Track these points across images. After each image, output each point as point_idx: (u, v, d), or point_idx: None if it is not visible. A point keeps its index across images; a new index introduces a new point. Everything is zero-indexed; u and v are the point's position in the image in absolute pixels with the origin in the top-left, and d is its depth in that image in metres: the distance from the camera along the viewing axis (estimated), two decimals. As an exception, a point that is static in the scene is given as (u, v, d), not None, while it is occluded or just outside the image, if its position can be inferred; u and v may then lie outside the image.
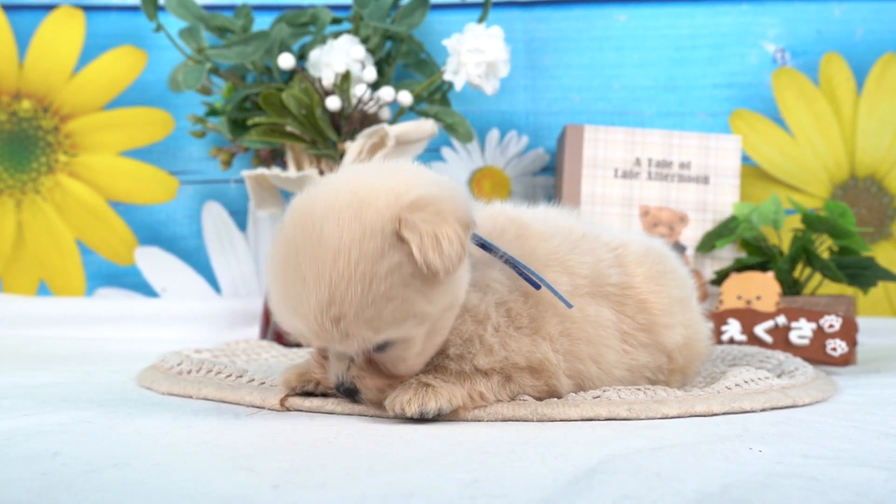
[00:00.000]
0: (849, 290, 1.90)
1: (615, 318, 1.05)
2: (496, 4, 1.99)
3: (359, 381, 0.93)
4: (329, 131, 1.66)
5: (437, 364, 0.95)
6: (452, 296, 0.90)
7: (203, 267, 2.05)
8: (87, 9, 2.03)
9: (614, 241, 1.11)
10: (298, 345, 1.68)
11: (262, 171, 1.73)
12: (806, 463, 0.75)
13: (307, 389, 1.01)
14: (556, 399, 0.98)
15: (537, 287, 0.95)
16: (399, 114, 1.78)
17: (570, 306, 0.97)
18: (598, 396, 0.99)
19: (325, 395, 1.01)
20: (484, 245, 0.94)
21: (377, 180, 0.89)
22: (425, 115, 1.75)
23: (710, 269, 1.77)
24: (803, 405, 1.08)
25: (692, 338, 1.13)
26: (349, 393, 0.94)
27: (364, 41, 1.77)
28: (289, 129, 1.69)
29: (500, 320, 0.94)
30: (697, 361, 1.17)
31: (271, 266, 0.90)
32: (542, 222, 1.05)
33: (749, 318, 1.49)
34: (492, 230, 0.99)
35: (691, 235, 1.79)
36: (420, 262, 0.84)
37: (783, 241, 1.76)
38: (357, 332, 0.86)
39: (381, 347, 0.89)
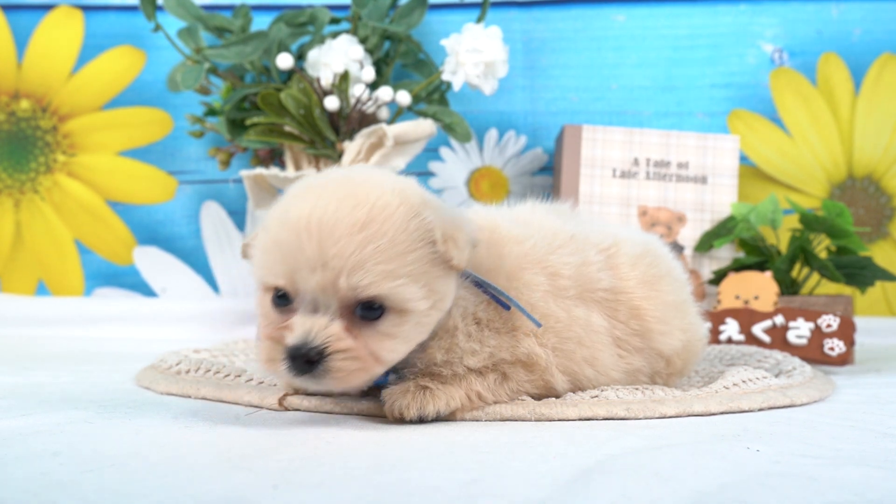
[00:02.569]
0: (846, 290, 1.90)
1: (607, 324, 1.03)
2: (494, 4, 1.99)
3: (336, 340, 0.84)
4: (327, 131, 1.67)
5: (431, 371, 0.94)
6: (448, 291, 0.90)
7: (202, 267, 2.05)
8: (86, 9, 2.03)
9: (606, 241, 1.08)
10: None
11: (260, 171, 1.73)
12: (804, 462, 0.75)
13: (307, 391, 1.01)
14: (554, 399, 0.99)
15: (507, 308, 0.95)
16: (397, 114, 1.78)
17: (538, 325, 0.95)
18: (597, 396, 0.99)
19: (325, 394, 1.01)
20: None
21: (398, 175, 0.93)
22: (424, 114, 1.75)
23: (708, 269, 1.78)
24: (801, 405, 1.08)
25: (691, 340, 1.12)
26: (309, 360, 0.84)
27: (362, 41, 1.77)
28: (287, 129, 1.69)
29: (471, 328, 0.94)
30: (695, 361, 1.17)
31: (276, 218, 0.86)
32: (518, 224, 1.03)
33: (747, 317, 1.49)
34: None
35: (689, 235, 1.79)
36: (440, 244, 0.87)
37: (781, 240, 1.76)
38: (376, 266, 0.83)
39: (375, 316, 0.85)
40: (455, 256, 0.87)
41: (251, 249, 0.92)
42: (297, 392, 1.01)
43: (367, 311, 0.85)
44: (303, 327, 0.84)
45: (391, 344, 0.87)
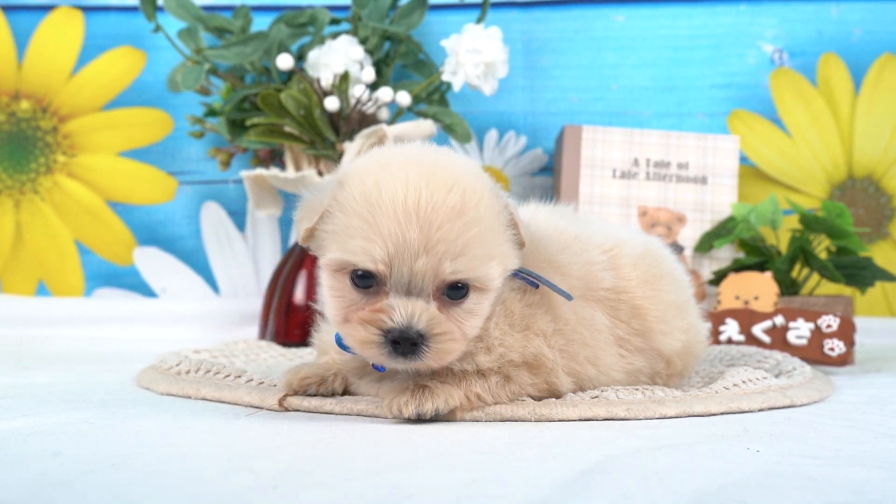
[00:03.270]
0: (846, 291, 1.90)
1: (609, 323, 1.03)
2: (494, 5, 1.99)
3: (438, 323, 0.86)
4: (328, 132, 1.67)
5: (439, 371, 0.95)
6: (511, 269, 0.93)
7: (202, 267, 2.06)
8: (86, 9, 2.03)
9: (609, 242, 1.09)
10: (302, 343, 1.68)
11: (260, 171, 1.73)
12: (803, 463, 0.75)
13: (309, 392, 1.01)
14: (554, 399, 0.99)
15: (536, 286, 0.96)
16: (397, 114, 1.78)
17: (570, 298, 0.97)
18: (597, 397, 0.99)
19: (326, 395, 1.01)
20: None
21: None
22: (424, 115, 1.75)
23: (708, 270, 1.78)
24: (801, 405, 1.08)
25: (691, 342, 1.12)
26: (412, 342, 0.85)
27: (362, 42, 1.77)
28: (287, 129, 1.69)
29: (500, 319, 0.95)
30: (695, 362, 1.17)
31: (360, 198, 0.86)
32: (531, 222, 1.04)
33: (747, 318, 1.49)
34: None
35: (689, 235, 1.79)
36: (519, 225, 0.91)
37: (781, 241, 1.76)
38: (476, 250, 0.86)
39: (460, 295, 0.88)
40: (526, 238, 0.93)
41: (322, 233, 0.90)
42: (296, 393, 1.01)
43: (455, 291, 0.88)
44: (405, 311, 0.86)
45: (475, 321, 0.91)
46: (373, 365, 0.96)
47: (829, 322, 1.46)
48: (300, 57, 1.81)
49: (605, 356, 1.03)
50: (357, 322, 0.88)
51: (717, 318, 1.50)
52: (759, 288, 1.56)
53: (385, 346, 0.86)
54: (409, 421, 0.93)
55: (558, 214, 1.12)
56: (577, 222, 1.11)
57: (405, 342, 0.86)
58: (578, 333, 0.99)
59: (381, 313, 0.86)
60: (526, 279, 0.96)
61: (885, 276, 1.63)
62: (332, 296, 0.91)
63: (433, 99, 1.81)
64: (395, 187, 0.86)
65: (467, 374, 0.95)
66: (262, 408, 1.01)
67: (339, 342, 0.95)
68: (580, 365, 1.00)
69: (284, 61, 1.68)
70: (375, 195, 0.86)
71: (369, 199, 0.86)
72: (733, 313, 1.50)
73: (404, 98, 1.69)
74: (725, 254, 1.78)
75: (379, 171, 0.88)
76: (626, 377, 1.06)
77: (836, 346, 1.45)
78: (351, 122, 1.69)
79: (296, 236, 0.96)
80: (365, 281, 0.87)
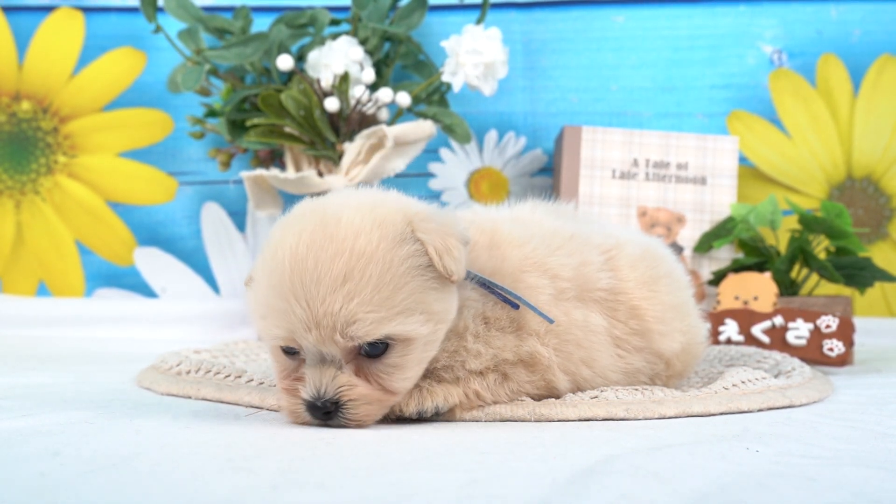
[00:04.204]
0: (846, 291, 1.90)
1: (606, 324, 1.02)
2: (494, 6, 1.99)
3: (347, 390, 0.86)
4: (328, 132, 1.67)
5: (431, 373, 0.94)
6: (450, 305, 0.90)
7: (202, 267, 2.06)
8: (87, 10, 2.04)
9: (608, 243, 1.07)
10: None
11: (260, 172, 1.73)
12: (803, 463, 0.75)
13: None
14: (553, 399, 0.99)
15: (516, 307, 0.95)
16: (397, 115, 1.78)
17: (550, 321, 0.95)
18: (596, 397, 0.99)
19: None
20: None
21: (379, 195, 0.93)
22: (424, 116, 1.75)
23: (707, 270, 1.78)
24: (800, 405, 1.08)
25: (691, 343, 1.12)
26: (327, 411, 0.87)
27: (362, 42, 1.77)
28: (287, 130, 1.69)
29: (479, 328, 0.94)
30: (694, 363, 1.17)
31: (266, 263, 0.87)
32: (519, 225, 1.03)
33: (746, 318, 1.50)
34: None
35: (689, 236, 1.79)
36: (437, 263, 0.87)
37: (780, 241, 1.77)
38: (367, 316, 0.83)
39: (379, 351, 0.87)
40: (455, 270, 0.87)
41: (248, 292, 0.93)
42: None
43: (373, 348, 0.87)
44: (313, 382, 0.87)
45: (402, 374, 0.89)
46: None
47: (829, 322, 1.46)
48: (300, 58, 1.81)
49: (601, 357, 1.02)
50: (283, 391, 0.91)
51: (716, 319, 1.50)
52: (759, 288, 1.56)
53: (307, 413, 0.88)
54: (410, 420, 0.93)
55: (557, 213, 1.11)
56: (575, 222, 1.10)
57: (317, 411, 0.87)
58: (571, 335, 0.99)
59: (298, 382, 0.89)
60: (504, 299, 0.95)
61: (885, 276, 1.63)
62: (272, 359, 0.93)
63: (433, 99, 1.81)
64: (283, 260, 0.85)
65: (465, 376, 0.95)
66: (262, 408, 1.02)
67: None
68: (574, 366, 1.00)
69: (284, 62, 1.68)
70: (269, 269, 0.87)
71: (266, 272, 0.87)
72: (732, 314, 1.50)
73: (404, 99, 1.69)
74: (725, 254, 1.78)
75: (279, 238, 0.88)
76: (624, 378, 1.06)
77: (835, 347, 1.45)
78: (351, 123, 1.69)
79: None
80: (289, 349, 0.89)
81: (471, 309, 0.94)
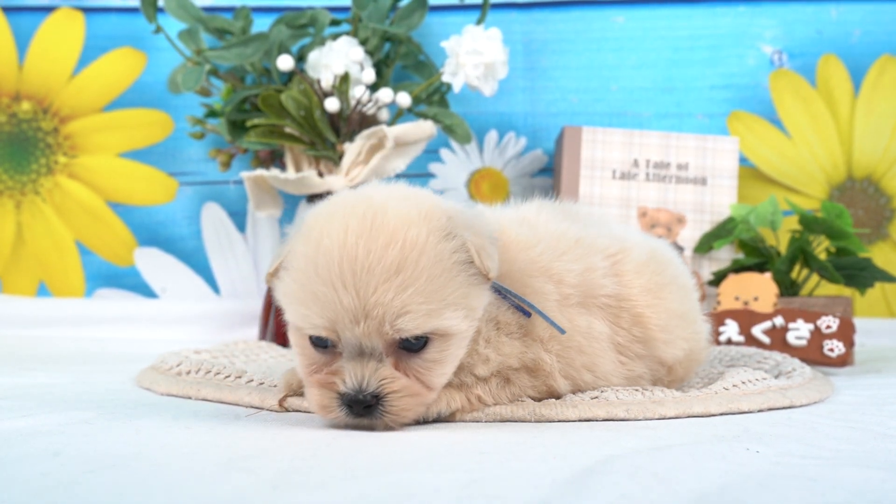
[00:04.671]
0: (846, 291, 1.90)
1: (609, 331, 1.01)
2: (494, 6, 1.99)
3: (389, 383, 0.85)
4: (328, 132, 1.67)
5: None
6: (482, 303, 0.90)
7: (202, 268, 2.06)
8: (87, 10, 2.04)
9: (613, 247, 1.05)
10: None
11: (261, 172, 1.73)
12: (803, 463, 0.75)
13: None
14: (554, 400, 0.99)
15: (528, 315, 0.94)
16: (398, 115, 1.78)
17: (562, 332, 0.94)
18: (597, 397, 0.99)
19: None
20: None
21: (413, 189, 0.92)
22: (424, 116, 1.75)
23: (707, 270, 1.78)
24: (801, 406, 1.08)
25: (694, 349, 1.11)
26: (367, 405, 0.85)
27: (363, 43, 1.77)
28: (288, 130, 1.69)
29: (491, 333, 0.94)
30: (697, 367, 1.16)
31: (308, 252, 0.85)
32: (526, 227, 1.01)
33: (747, 318, 1.50)
34: None
35: (689, 236, 1.79)
36: (476, 260, 0.86)
37: (780, 242, 1.77)
38: (419, 307, 0.82)
39: (420, 346, 0.86)
40: (491, 268, 0.88)
41: (276, 282, 0.90)
42: (296, 393, 1.01)
43: (412, 344, 0.86)
44: (355, 374, 0.85)
45: (440, 369, 0.88)
46: None
47: (829, 323, 1.46)
48: (300, 58, 1.81)
49: (603, 363, 1.01)
50: (315, 385, 0.88)
51: (716, 319, 1.50)
52: (759, 289, 1.56)
53: (342, 408, 0.86)
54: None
55: (563, 214, 1.08)
56: (581, 223, 1.07)
57: (358, 405, 0.85)
58: (574, 341, 0.98)
59: (334, 376, 0.86)
60: (517, 306, 0.94)
61: (885, 276, 1.63)
62: (296, 353, 0.91)
63: (433, 100, 1.81)
64: (331, 249, 0.83)
65: (471, 383, 0.95)
66: (262, 408, 1.02)
67: None
68: (576, 371, 0.99)
69: (285, 62, 1.68)
70: (313, 257, 0.84)
71: (309, 260, 0.85)
72: (733, 314, 1.50)
73: (404, 99, 1.69)
74: (725, 254, 1.78)
75: (322, 227, 0.86)
76: (625, 382, 1.05)
77: (835, 347, 1.45)
78: (351, 123, 1.69)
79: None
80: (321, 341, 0.87)
81: (485, 312, 0.93)
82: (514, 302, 0.94)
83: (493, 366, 0.94)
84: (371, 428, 0.87)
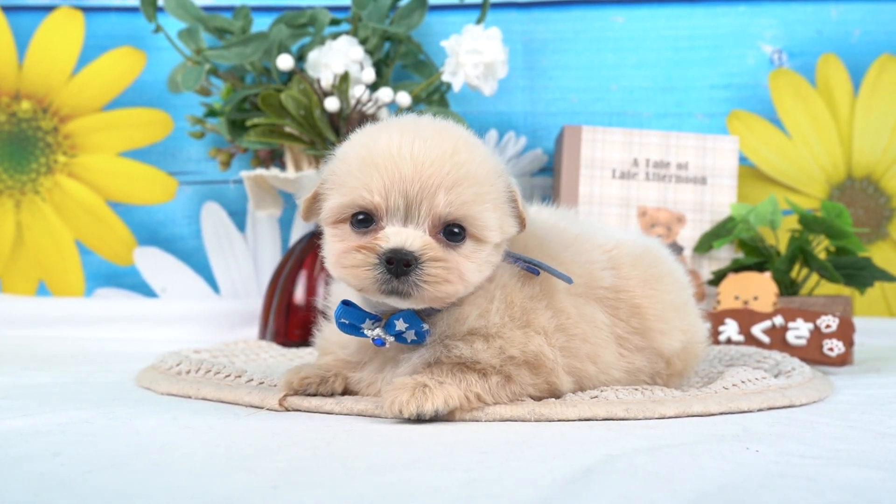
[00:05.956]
0: (846, 291, 1.90)
1: (609, 322, 1.04)
2: (494, 5, 1.99)
3: (430, 248, 0.89)
4: (328, 132, 1.67)
5: (437, 358, 0.95)
6: (504, 240, 0.96)
7: (202, 267, 2.06)
8: (87, 10, 2.04)
9: (609, 243, 1.10)
10: (302, 343, 1.68)
11: (260, 171, 1.73)
12: (803, 463, 0.75)
13: (309, 392, 1.01)
14: (554, 399, 0.99)
15: (536, 272, 0.98)
16: (397, 115, 1.78)
17: (569, 281, 0.99)
18: (596, 397, 0.99)
19: (326, 395, 1.02)
20: None
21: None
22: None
23: (707, 270, 1.78)
24: (800, 405, 1.08)
25: (691, 342, 1.13)
26: (407, 262, 0.87)
27: (363, 42, 1.77)
28: (287, 129, 1.69)
29: (501, 305, 0.96)
30: (695, 363, 1.17)
31: (365, 143, 0.91)
32: (534, 220, 1.06)
33: (746, 318, 1.50)
34: None
35: (689, 236, 1.79)
36: (520, 202, 0.96)
37: (780, 241, 1.77)
38: (468, 189, 0.89)
39: (459, 237, 0.91)
40: (527, 215, 0.96)
41: (323, 193, 0.94)
42: (296, 393, 1.01)
43: (451, 235, 0.91)
44: (399, 235, 0.89)
45: (473, 266, 0.92)
46: (374, 340, 0.95)
47: (829, 322, 1.46)
48: (300, 57, 1.81)
49: (605, 354, 1.03)
50: (354, 249, 0.90)
51: (716, 319, 1.50)
52: (759, 288, 1.56)
53: (379, 266, 0.88)
54: (409, 421, 0.93)
55: (560, 217, 1.13)
56: (578, 224, 1.13)
57: (398, 263, 0.88)
58: (580, 329, 1.00)
59: (377, 240, 0.89)
60: (526, 265, 0.98)
61: (884, 276, 1.63)
62: (332, 241, 0.94)
63: (433, 99, 1.81)
64: (390, 135, 0.91)
65: (467, 373, 0.95)
66: (262, 408, 1.02)
67: (338, 319, 0.96)
68: (580, 362, 1.01)
69: (284, 62, 1.68)
70: (372, 142, 0.91)
71: (367, 145, 0.92)
72: (732, 313, 1.50)
73: (404, 98, 1.69)
74: (725, 254, 1.78)
75: (376, 128, 0.94)
76: (626, 376, 1.06)
77: (835, 347, 1.45)
78: (351, 123, 1.69)
79: (299, 213, 0.98)
80: (364, 223, 0.91)
81: (500, 277, 0.97)
82: (522, 263, 0.98)
83: (494, 348, 0.95)
84: (402, 295, 0.89)
